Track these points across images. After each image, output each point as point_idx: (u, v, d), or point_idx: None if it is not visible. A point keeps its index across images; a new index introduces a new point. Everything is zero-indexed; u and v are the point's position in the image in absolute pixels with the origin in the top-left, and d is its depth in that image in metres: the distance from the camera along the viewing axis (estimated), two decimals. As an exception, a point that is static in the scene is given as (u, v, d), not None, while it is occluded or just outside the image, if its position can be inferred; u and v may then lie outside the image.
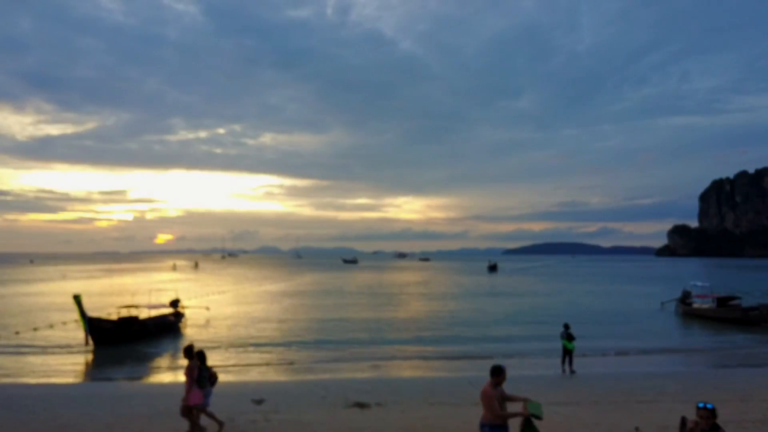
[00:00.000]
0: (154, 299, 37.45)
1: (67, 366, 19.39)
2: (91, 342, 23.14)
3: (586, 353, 20.12)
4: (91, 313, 34.69)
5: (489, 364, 20.80)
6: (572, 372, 17.80)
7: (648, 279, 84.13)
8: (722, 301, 32.54)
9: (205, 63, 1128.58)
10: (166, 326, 27.57)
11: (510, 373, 18.62)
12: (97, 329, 23.41)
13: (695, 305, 34.52)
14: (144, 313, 28.36)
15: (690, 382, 15.43)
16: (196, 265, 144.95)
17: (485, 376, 17.83)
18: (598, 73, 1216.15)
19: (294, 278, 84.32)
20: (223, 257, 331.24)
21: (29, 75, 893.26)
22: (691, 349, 23.10)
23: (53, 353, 21.63)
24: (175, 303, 31.36)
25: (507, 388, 7.80)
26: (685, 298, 36.38)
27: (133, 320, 26.22)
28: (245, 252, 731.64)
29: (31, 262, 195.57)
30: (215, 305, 39.79)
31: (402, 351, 22.07)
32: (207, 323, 30.54)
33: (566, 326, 18.43)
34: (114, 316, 28.38)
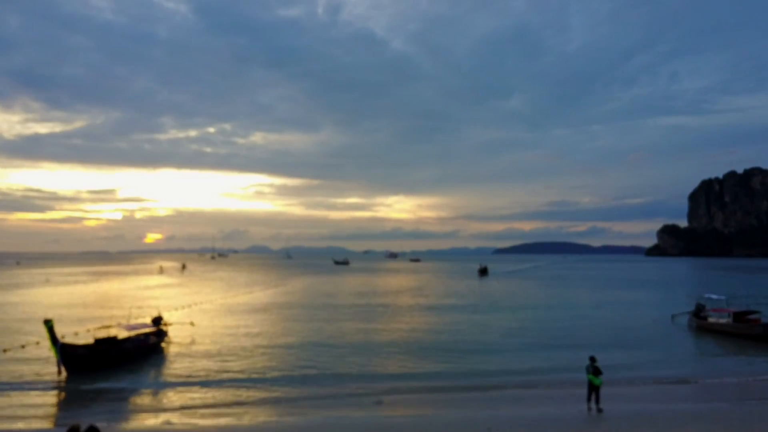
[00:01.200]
0: (135, 312, 35.30)
1: (32, 407, 17.08)
2: (64, 371, 20.97)
3: (609, 382, 17.98)
4: (71, 326, 32.66)
5: (502, 395, 18.79)
6: (599, 410, 15.98)
7: (646, 284, 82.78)
8: (739, 316, 30.93)
9: (195, 62, 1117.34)
10: (147, 348, 25.37)
11: (528, 411, 16.70)
12: (71, 356, 21.21)
13: (710, 320, 32.91)
14: (123, 333, 26.25)
15: (741, 427, 13.63)
16: (183, 268, 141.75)
17: (501, 415, 15.92)
18: (588, 74, 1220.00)
19: (284, 283, 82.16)
20: (213, 257, 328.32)
21: (17, 73, 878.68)
22: (721, 376, 21.22)
23: (18, 388, 19.25)
24: (157, 320, 29.20)
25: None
26: (698, 312, 34.72)
27: (110, 343, 24.12)
28: (235, 252, 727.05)
29: (17, 263, 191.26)
30: (201, 318, 37.65)
31: (405, 383, 19.96)
32: (191, 342, 28.34)
33: (592, 359, 16.59)
34: (91, 336, 26.31)
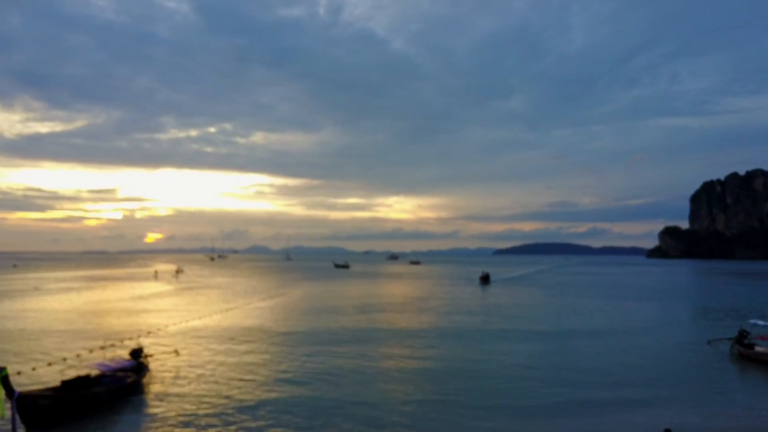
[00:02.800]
0: (113, 341, 32.53)
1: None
2: (21, 427, 18.03)
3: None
4: (46, 355, 29.72)
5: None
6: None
7: (659, 294, 79.55)
8: None
9: (196, 61, 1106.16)
10: (124, 391, 22.38)
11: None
12: (31, 409, 18.30)
13: (758, 348, 29.88)
14: (96, 373, 23.33)
15: None
16: (178, 273, 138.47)
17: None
18: (588, 74, 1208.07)
19: (282, 292, 79.20)
20: (212, 258, 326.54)
21: (18, 72, 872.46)
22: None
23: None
24: (136, 353, 26.23)
25: None
26: (741, 338, 31.75)
27: (80, 387, 21.27)
28: (235, 251, 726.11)
29: (15, 266, 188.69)
30: (187, 343, 34.59)
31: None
32: (174, 379, 25.34)
33: (654, 433, 13.76)
34: (61, 374, 23.45)
